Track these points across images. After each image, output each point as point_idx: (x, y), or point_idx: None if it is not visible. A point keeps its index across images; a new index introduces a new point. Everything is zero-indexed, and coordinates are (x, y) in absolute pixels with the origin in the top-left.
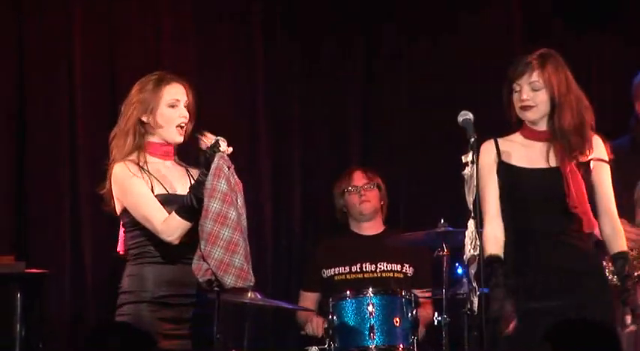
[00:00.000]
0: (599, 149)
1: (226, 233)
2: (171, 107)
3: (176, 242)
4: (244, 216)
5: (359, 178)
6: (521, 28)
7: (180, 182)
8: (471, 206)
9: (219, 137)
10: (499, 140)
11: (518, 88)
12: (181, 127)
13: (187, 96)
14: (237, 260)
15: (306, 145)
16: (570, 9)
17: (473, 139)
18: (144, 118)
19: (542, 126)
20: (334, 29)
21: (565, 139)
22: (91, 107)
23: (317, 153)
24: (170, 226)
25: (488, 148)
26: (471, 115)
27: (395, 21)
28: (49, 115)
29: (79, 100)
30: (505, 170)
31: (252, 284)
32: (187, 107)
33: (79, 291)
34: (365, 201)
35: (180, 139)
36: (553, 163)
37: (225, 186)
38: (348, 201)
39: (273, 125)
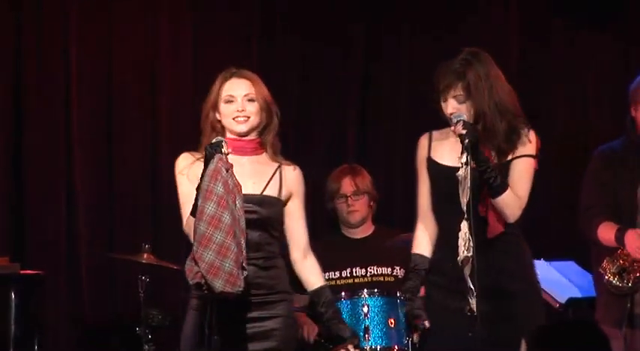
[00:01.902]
0: (526, 146)
1: (219, 237)
2: (228, 103)
3: None
4: (243, 218)
5: (347, 186)
6: (520, 28)
7: (252, 180)
8: (465, 208)
9: (222, 138)
10: (434, 134)
11: (444, 100)
12: (240, 119)
13: (251, 89)
14: (227, 265)
15: (302, 146)
16: (569, 9)
17: (467, 141)
18: (216, 115)
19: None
20: (333, 29)
21: (495, 142)
22: (88, 109)
23: (314, 153)
24: (189, 226)
25: (422, 143)
26: (464, 117)
27: (394, 21)
28: (45, 115)
29: (75, 101)
30: (431, 167)
31: (241, 290)
32: (254, 100)
33: (74, 292)
34: (353, 211)
35: (239, 128)
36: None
37: (221, 189)
38: (336, 207)
39: None
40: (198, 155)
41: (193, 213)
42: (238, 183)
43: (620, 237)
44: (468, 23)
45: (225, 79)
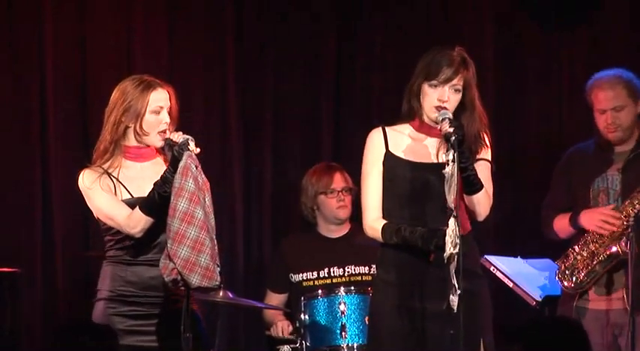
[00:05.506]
0: (485, 150)
1: (193, 232)
2: (155, 114)
3: (139, 235)
4: (212, 215)
5: (339, 181)
6: (495, 26)
7: (153, 181)
8: (452, 204)
9: (188, 136)
10: (387, 129)
11: (436, 84)
12: (163, 132)
13: (170, 101)
14: (203, 259)
15: (277, 145)
16: (545, 8)
17: (453, 138)
18: (130, 124)
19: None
20: (306, 28)
21: (467, 143)
22: (62, 108)
23: (288, 152)
24: (132, 219)
25: (376, 137)
26: (450, 114)
27: (368, 19)
28: (20, 115)
29: (50, 99)
30: (391, 161)
31: (217, 284)
32: (170, 112)
33: (50, 290)
34: (343, 206)
35: (161, 143)
36: (440, 160)
37: (192, 185)
38: (324, 203)
39: (245, 124)
40: (100, 170)
41: (143, 206)
42: (207, 180)
43: (575, 219)
44: (443, 22)
45: (152, 89)
